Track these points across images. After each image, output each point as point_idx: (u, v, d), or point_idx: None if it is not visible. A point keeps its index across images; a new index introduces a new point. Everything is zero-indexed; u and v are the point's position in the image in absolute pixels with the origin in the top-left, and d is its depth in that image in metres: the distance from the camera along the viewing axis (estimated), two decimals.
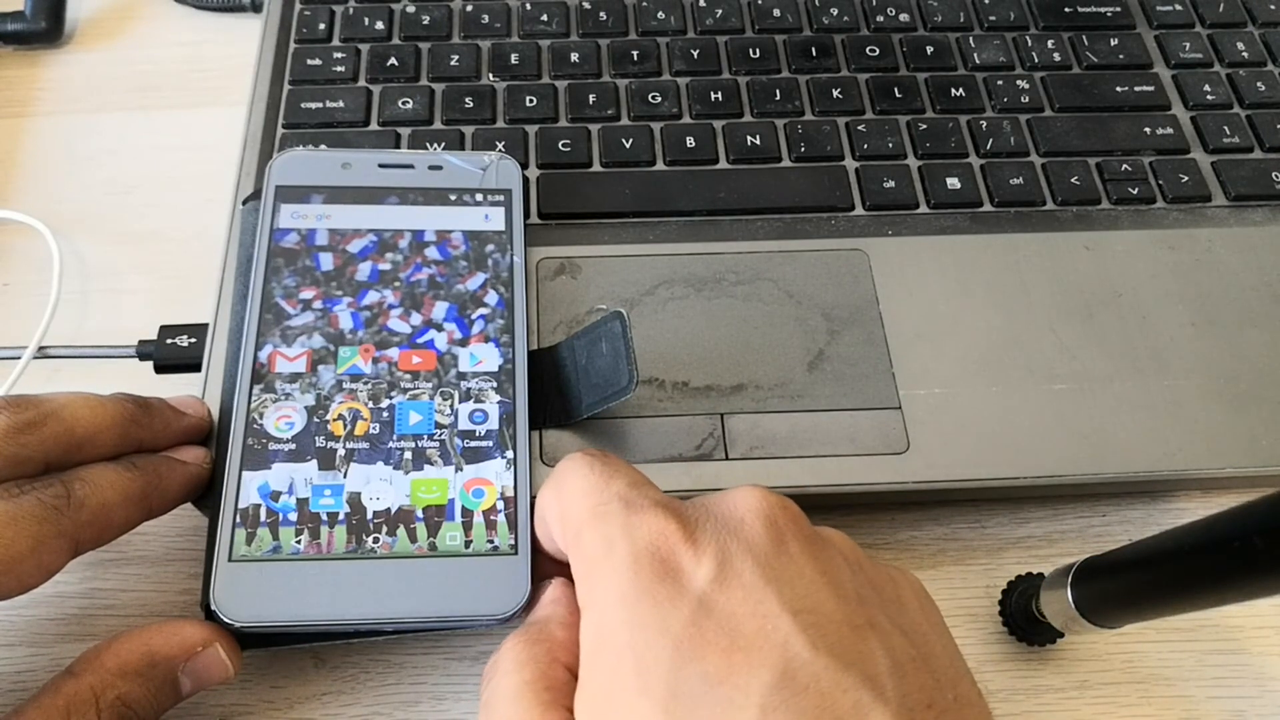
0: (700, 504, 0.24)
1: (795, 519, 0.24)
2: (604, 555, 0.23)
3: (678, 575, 0.22)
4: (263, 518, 0.29)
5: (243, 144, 0.38)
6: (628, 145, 0.39)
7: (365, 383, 0.31)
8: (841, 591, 0.22)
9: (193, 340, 0.34)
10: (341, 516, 0.29)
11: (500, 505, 0.30)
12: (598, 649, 0.22)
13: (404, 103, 0.39)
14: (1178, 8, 0.44)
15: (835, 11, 0.43)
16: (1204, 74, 0.42)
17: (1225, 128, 0.40)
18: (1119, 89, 0.41)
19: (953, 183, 0.38)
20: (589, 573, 0.23)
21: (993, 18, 0.43)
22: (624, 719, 0.20)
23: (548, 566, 0.28)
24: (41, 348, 0.36)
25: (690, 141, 0.39)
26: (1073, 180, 0.39)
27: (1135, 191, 0.38)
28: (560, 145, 0.39)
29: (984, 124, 0.40)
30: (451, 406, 0.31)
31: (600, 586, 0.22)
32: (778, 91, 0.40)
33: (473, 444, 0.30)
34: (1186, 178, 0.39)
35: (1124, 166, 0.39)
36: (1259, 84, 0.42)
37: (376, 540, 0.29)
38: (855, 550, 0.25)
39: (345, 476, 0.30)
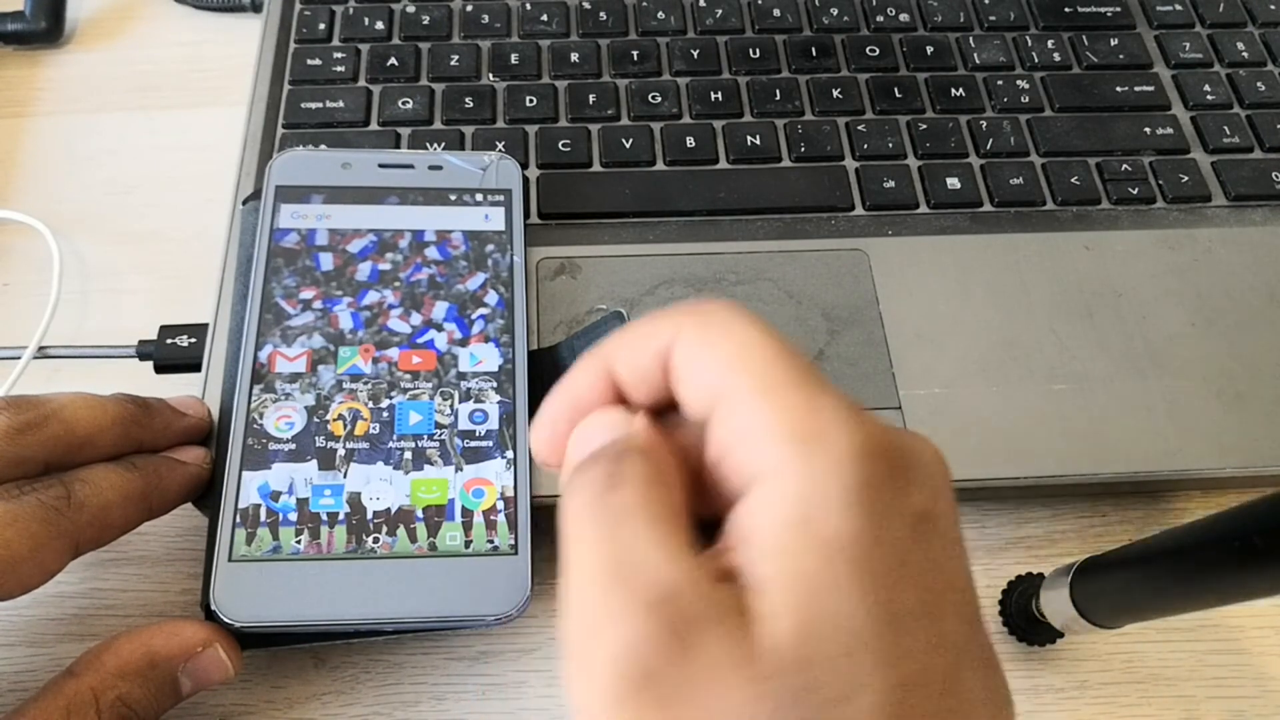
0: (896, 431, 0.21)
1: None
2: (822, 432, 0.19)
3: (902, 487, 0.19)
4: (263, 518, 0.29)
5: (243, 144, 0.38)
6: (628, 145, 0.39)
7: (365, 383, 0.31)
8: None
9: (193, 340, 0.34)
10: (341, 516, 0.29)
11: (500, 505, 0.30)
12: (805, 526, 0.18)
13: (404, 103, 0.39)
14: (1178, 8, 0.44)
15: (835, 11, 0.43)
16: (1204, 74, 0.42)
17: (1225, 128, 0.40)
18: (1119, 89, 0.41)
19: (953, 183, 0.38)
20: (796, 443, 0.19)
21: (993, 18, 0.43)
22: (840, 614, 0.18)
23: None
24: (41, 348, 0.36)
25: (690, 141, 0.39)
26: (1073, 180, 0.39)
27: (1135, 191, 0.38)
28: (560, 145, 0.39)
29: (984, 124, 0.40)
30: (451, 406, 0.31)
31: (817, 460, 0.19)
32: (778, 91, 0.40)
33: (473, 444, 0.30)
34: (1186, 178, 0.39)
35: (1124, 166, 0.39)
36: (1259, 84, 0.42)
37: (376, 540, 0.29)
38: None
39: (345, 476, 0.30)
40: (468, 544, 0.29)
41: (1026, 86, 0.41)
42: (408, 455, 0.30)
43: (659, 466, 0.20)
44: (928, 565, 0.19)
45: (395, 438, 0.30)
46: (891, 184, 0.38)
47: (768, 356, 0.20)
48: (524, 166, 0.38)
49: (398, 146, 0.39)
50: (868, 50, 0.42)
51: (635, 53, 0.41)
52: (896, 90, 0.41)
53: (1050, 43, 0.43)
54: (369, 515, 0.29)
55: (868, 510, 0.18)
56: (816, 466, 0.19)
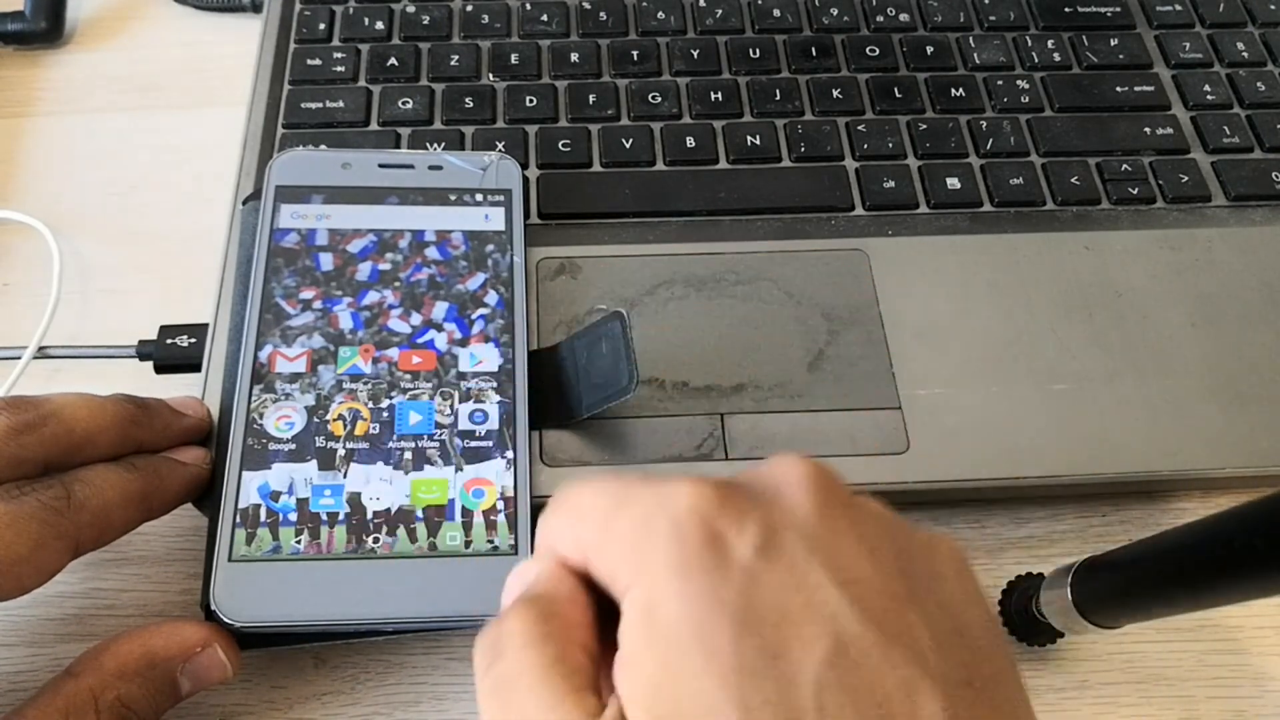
0: (733, 477, 0.23)
1: (834, 485, 0.23)
2: (643, 532, 0.21)
3: (722, 544, 0.20)
4: (263, 518, 0.29)
5: (243, 144, 0.38)
6: (628, 145, 0.39)
7: (365, 383, 0.31)
8: (881, 561, 0.21)
9: (193, 340, 0.34)
10: (341, 516, 0.29)
11: (500, 505, 0.30)
12: (649, 623, 0.20)
13: (404, 103, 0.39)
14: (1178, 8, 0.44)
15: (835, 11, 0.43)
16: (1204, 74, 0.42)
17: (1225, 128, 0.40)
18: (1119, 89, 0.41)
19: (953, 183, 0.38)
20: (628, 553, 0.21)
21: (993, 18, 0.43)
22: (687, 694, 0.19)
23: None
24: (41, 348, 0.36)
25: (690, 141, 0.39)
26: (1073, 180, 0.38)
27: (1135, 191, 0.38)
28: (560, 145, 0.39)
29: (984, 124, 0.40)
30: (451, 406, 0.31)
31: (645, 561, 0.21)
32: (778, 91, 0.40)
33: (473, 444, 0.30)
34: (1186, 178, 0.39)
35: (1124, 166, 0.39)
36: (1259, 84, 0.41)
37: (376, 540, 0.29)
38: (891, 517, 0.23)
39: (345, 476, 0.30)
40: (467, 544, 0.29)
41: (1026, 86, 0.41)
42: (408, 455, 0.30)
43: (544, 614, 0.22)
44: (775, 597, 0.20)
45: (395, 438, 0.30)
46: (891, 184, 0.38)
47: (599, 502, 0.22)
48: (524, 166, 0.38)
49: (398, 146, 0.39)
50: (868, 50, 0.42)
51: (635, 53, 0.41)
52: (896, 90, 0.41)
53: (1050, 43, 0.43)
54: (369, 515, 0.29)
55: (696, 582, 0.20)
56: (646, 569, 0.21)
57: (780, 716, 0.19)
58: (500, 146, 0.38)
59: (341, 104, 0.39)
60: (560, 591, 0.23)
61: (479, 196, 0.35)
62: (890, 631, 0.20)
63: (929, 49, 0.42)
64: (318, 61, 0.40)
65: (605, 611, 0.22)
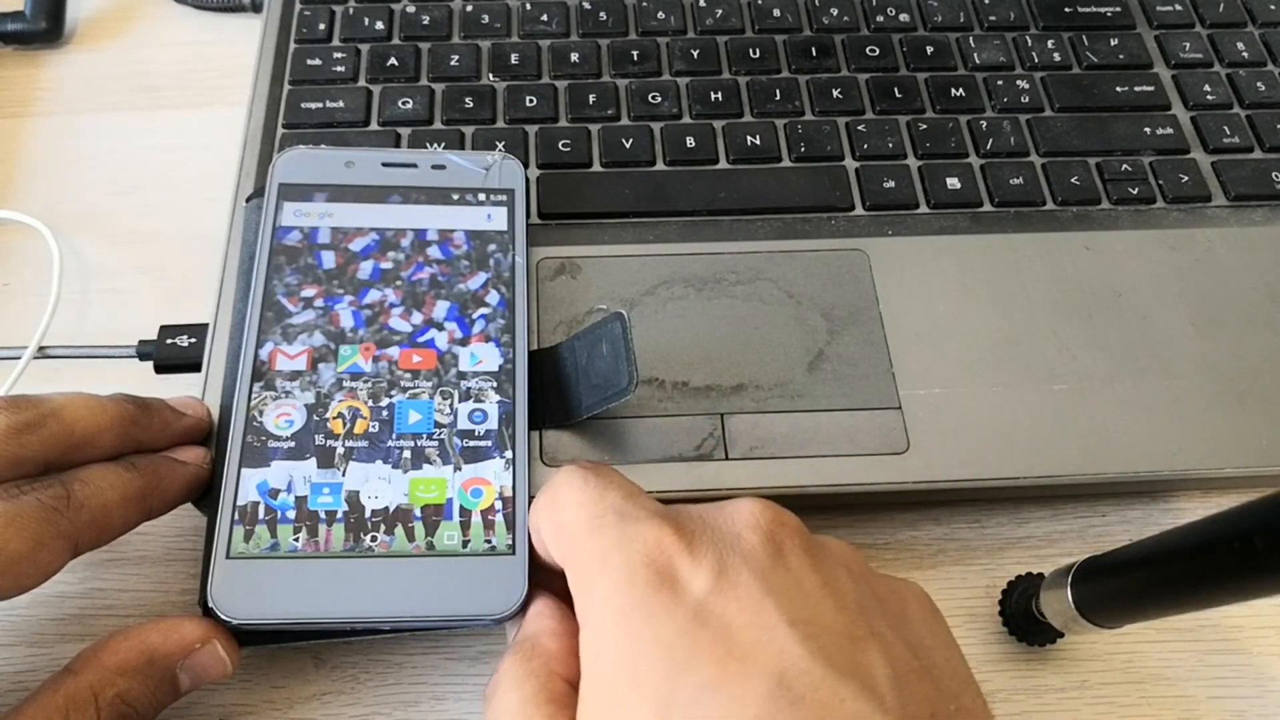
0: (698, 514, 0.24)
1: (794, 530, 0.24)
2: (600, 568, 0.23)
3: (674, 584, 0.22)
4: (261, 515, 0.29)
5: (243, 144, 0.38)
6: (628, 145, 0.39)
7: (365, 381, 0.31)
8: (842, 602, 0.22)
9: (193, 340, 0.34)
10: (340, 515, 0.29)
11: (498, 505, 0.30)
12: (595, 662, 0.22)
13: (404, 103, 0.39)
14: (1178, 8, 0.44)
15: (835, 11, 0.43)
16: (1204, 74, 0.42)
17: (1225, 128, 0.40)
18: (1119, 89, 0.41)
19: (953, 183, 0.38)
20: (586, 587, 0.23)
21: (993, 18, 0.43)
22: None
23: (544, 576, 0.28)
24: (41, 348, 0.36)
25: (690, 141, 0.39)
26: (1073, 180, 0.38)
27: (1135, 191, 0.38)
28: (560, 145, 0.39)
29: (984, 124, 0.40)
30: (451, 406, 0.31)
31: (596, 600, 0.22)
32: (778, 91, 0.40)
33: (472, 444, 0.30)
34: (1186, 178, 0.39)
35: (1124, 166, 0.39)
36: (1259, 84, 0.41)
37: (374, 539, 0.29)
38: (859, 560, 0.25)
39: (344, 475, 0.30)
40: (465, 543, 0.29)
41: (1026, 86, 0.41)
42: (406, 454, 0.30)
43: (527, 655, 0.24)
44: (721, 633, 0.21)
45: (394, 436, 0.30)
46: (891, 184, 0.38)
47: (573, 517, 0.24)
48: (524, 166, 0.37)
49: (398, 146, 0.39)
50: (868, 50, 0.42)
51: (635, 53, 0.41)
52: (896, 90, 0.41)
53: (1050, 43, 0.43)
54: (367, 514, 0.29)
55: (636, 625, 0.21)
56: (594, 610, 0.22)
57: None
58: (500, 146, 0.38)
59: (341, 104, 0.39)
60: (543, 628, 0.25)
61: (482, 196, 0.35)
62: (843, 668, 0.20)
63: (929, 49, 0.42)
64: (318, 61, 0.41)
65: None
